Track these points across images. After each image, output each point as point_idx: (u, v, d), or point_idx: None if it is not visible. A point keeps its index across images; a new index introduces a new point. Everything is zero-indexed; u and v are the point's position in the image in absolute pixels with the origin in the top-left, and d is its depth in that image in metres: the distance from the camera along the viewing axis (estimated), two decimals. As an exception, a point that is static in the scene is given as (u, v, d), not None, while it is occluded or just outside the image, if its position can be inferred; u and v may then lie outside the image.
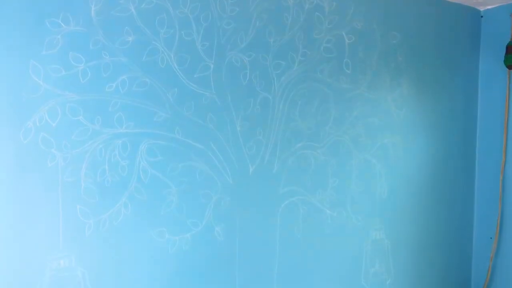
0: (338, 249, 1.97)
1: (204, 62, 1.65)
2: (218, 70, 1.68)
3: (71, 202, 1.44)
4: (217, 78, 1.67)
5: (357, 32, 1.98)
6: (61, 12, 1.41)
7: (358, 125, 1.99)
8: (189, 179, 1.64)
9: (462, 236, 2.32)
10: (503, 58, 2.22)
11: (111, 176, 1.50)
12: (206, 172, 1.67)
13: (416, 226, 2.18)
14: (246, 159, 1.75)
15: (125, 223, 1.53)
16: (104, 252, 1.50)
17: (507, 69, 2.22)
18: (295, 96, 1.84)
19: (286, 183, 1.84)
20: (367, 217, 2.03)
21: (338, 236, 1.96)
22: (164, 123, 1.58)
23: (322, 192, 1.92)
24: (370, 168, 2.03)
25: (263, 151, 1.78)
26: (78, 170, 1.45)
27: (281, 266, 1.84)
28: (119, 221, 1.53)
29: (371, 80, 2.03)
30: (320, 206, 1.92)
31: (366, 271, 2.05)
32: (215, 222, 1.70)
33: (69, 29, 1.43)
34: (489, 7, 2.35)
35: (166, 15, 1.58)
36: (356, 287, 2.03)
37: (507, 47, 2.21)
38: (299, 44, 1.84)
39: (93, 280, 1.48)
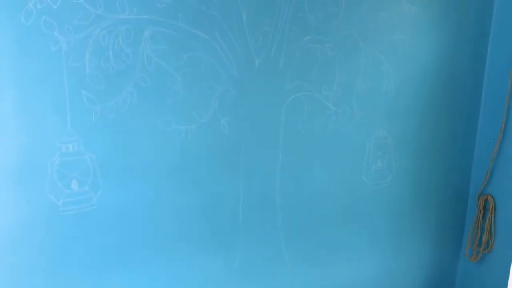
0: (341, 145, 2.00)
1: None
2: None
3: (77, 87, 1.45)
4: (222, -39, 1.60)
5: None
6: None
7: (368, 20, 1.92)
8: (194, 69, 1.63)
9: (465, 136, 2.33)
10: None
11: (115, 63, 1.49)
12: (211, 63, 1.65)
13: (420, 126, 2.18)
14: (251, 51, 1.72)
15: (131, 111, 1.55)
16: (111, 138, 1.54)
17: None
18: (304, -15, 1.76)
19: (292, 78, 1.82)
20: (372, 114, 2.03)
21: (342, 132, 1.98)
22: (168, 10, 1.54)
23: (328, 89, 1.91)
24: (378, 65, 1.99)
25: (269, 43, 1.74)
26: (82, 55, 1.44)
27: (284, 160, 1.88)
28: (125, 109, 1.54)
29: (384, -29, 1.93)
30: (325, 102, 1.91)
31: (368, 167, 2.09)
32: (220, 115, 1.71)
33: None
34: None
35: None
36: (357, 182, 2.08)
37: None
38: None
39: (101, 164, 1.53)
